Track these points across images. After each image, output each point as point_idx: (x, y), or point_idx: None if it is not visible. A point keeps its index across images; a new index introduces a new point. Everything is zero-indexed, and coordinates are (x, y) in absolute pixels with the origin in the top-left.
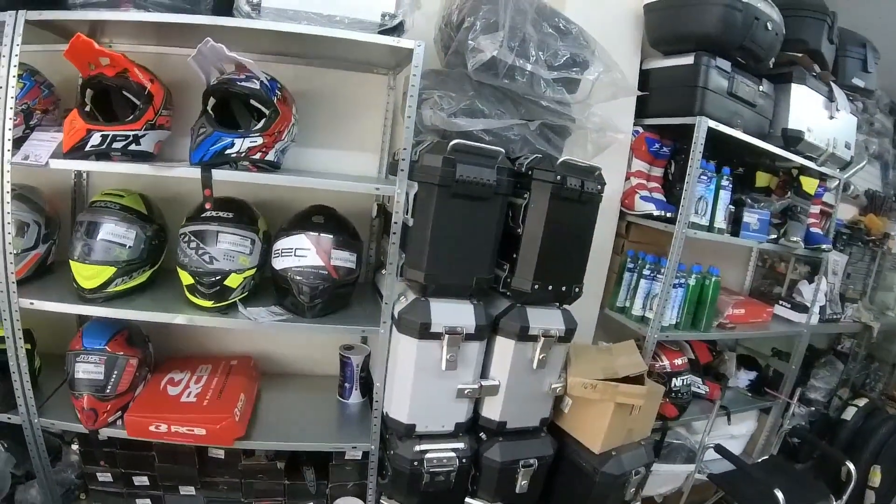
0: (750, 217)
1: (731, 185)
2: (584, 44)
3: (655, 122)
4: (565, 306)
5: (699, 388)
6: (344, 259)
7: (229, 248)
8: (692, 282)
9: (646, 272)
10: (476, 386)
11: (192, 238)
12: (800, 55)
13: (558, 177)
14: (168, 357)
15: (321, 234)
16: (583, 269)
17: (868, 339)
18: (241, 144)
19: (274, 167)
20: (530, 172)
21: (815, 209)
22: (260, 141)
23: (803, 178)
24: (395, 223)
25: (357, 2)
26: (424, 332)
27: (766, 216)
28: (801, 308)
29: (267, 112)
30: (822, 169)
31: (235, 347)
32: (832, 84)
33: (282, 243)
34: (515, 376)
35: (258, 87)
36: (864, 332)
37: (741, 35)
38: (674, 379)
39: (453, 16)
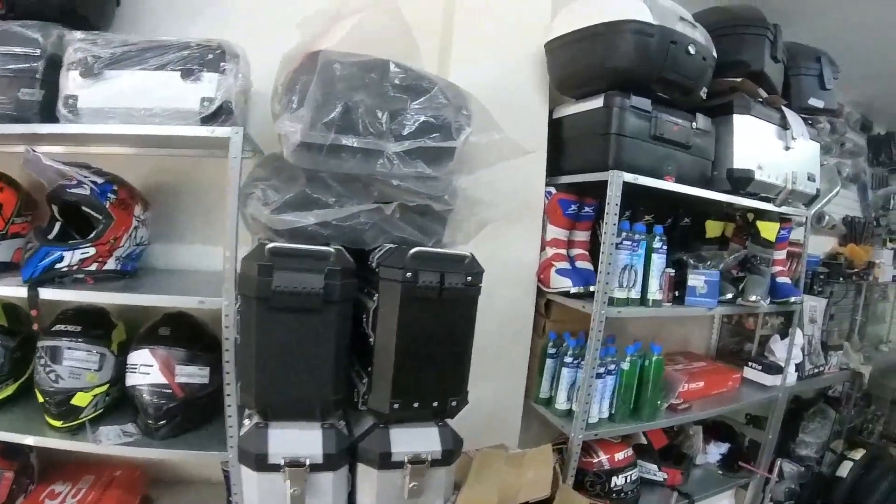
0: (695, 280)
1: (665, 247)
2: (446, 102)
3: (568, 179)
4: (447, 420)
5: (655, 475)
6: (191, 374)
7: (75, 365)
8: (626, 366)
9: (568, 359)
10: None
11: (43, 354)
12: (739, 80)
13: (409, 272)
14: (63, 463)
15: (165, 349)
16: (461, 380)
17: (860, 386)
18: (71, 257)
19: (122, 275)
20: (378, 269)
21: (781, 254)
22: (92, 252)
23: (760, 224)
24: (227, 339)
25: (173, 90)
26: (262, 463)
27: (715, 276)
28: (774, 369)
29: (100, 218)
30: (783, 210)
31: (126, 453)
32: (784, 109)
33: (130, 358)
34: None
35: (88, 192)
36: (855, 378)
37: (658, 65)
38: (614, 477)
39: (277, 93)
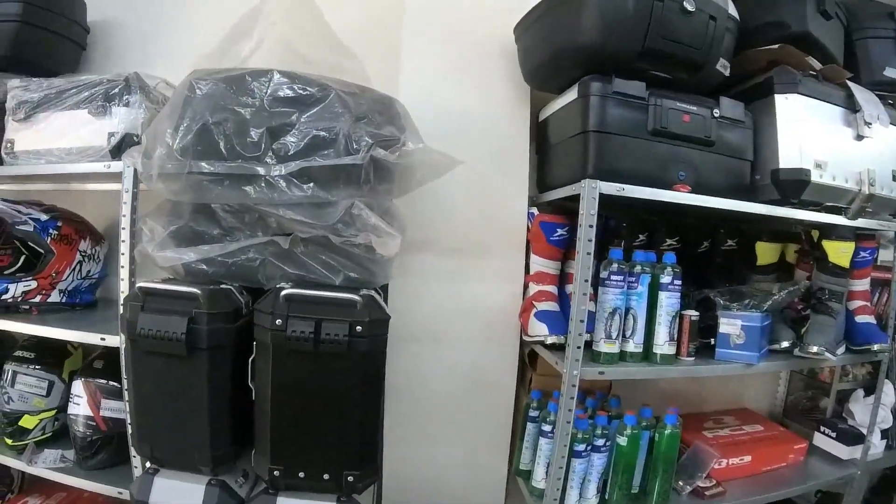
0: (729, 326)
1: (678, 282)
2: (340, 111)
3: (547, 197)
4: (354, 496)
5: None
6: (116, 409)
7: (24, 390)
8: (622, 441)
9: (545, 426)
10: None
11: (4, 376)
12: (777, 47)
13: (278, 319)
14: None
15: (94, 381)
16: (363, 451)
17: None
18: (15, 289)
19: (70, 307)
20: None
21: (861, 284)
22: (34, 284)
23: (828, 245)
24: (125, 378)
25: (86, 128)
26: None
27: (756, 321)
28: (853, 437)
29: (43, 253)
30: (860, 223)
31: (52, 476)
32: (851, 85)
33: (72, 387)
34: None
35: (31, 229)
36: None
37: (639, 32)
38: None
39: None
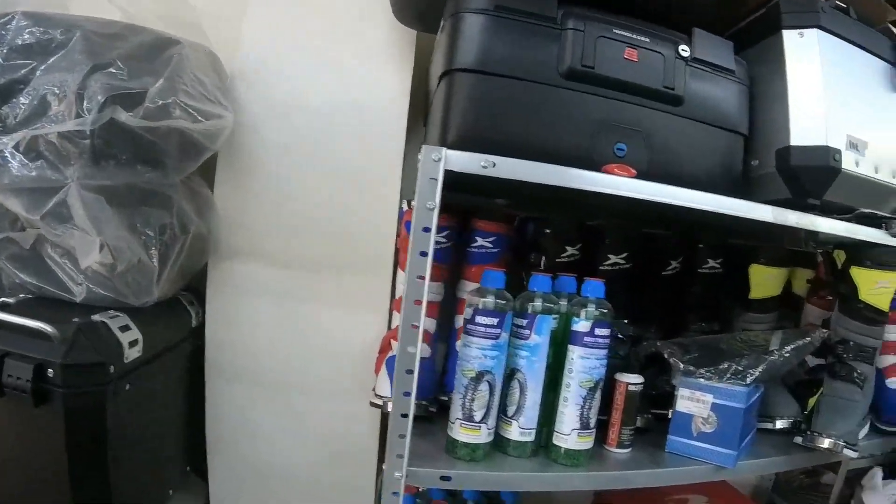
0: (692, 403)
1: (606, 328)
2: (80, 59)
3: None
4: None
5: None
6: None
7: None
8: None
9: None
10: None
11: None
12: None
13: None
14: None
15: None
16: None
17: None
18: None
19: None
20: None
21: None
22: None
23: (857, 274)
24: None
25: None
26: None
27: (739, 399)
28: None
29: None
30: None
31: None
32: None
33: None
34: None
35: None
36: None
37: None
38: None
39: None
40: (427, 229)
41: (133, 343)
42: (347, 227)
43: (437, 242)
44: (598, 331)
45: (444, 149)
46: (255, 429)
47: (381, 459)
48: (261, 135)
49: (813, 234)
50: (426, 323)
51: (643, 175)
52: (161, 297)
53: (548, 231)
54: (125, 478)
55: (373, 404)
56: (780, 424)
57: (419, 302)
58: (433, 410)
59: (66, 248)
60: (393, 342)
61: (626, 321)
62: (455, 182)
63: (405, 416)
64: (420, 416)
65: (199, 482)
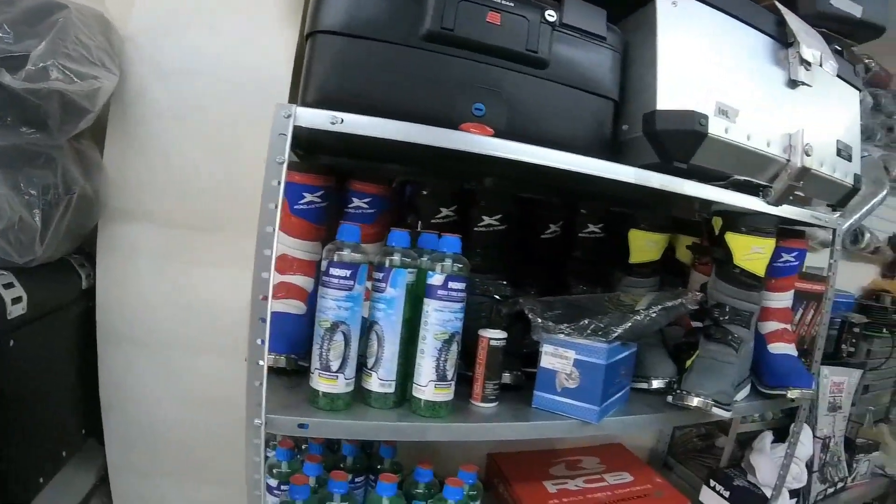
0: (556, 359)
1: (462, 282)
2: None
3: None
4: None
5: None
6: None
7: None
8: None
9: (271, 480)
10: None
11: None
12: None
13: None
14: None
15: None
16: None
17: None
18: None
19: None
20: None
21: (780, 300)
22: None
23: (732, 241)
24: None
25: None
26: None
27: (600, 355)
28: (752, 500)
29: None
30: (784, 211)
31: None
32: (781, 8)
33: None
34: None
35: None
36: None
37: None
38: None
39: None
40: (277, 183)
41: (16, 300)
42: (231, 188)
43: (312, 202)
44: (451, 284)
45: (294, 106)
46: (146, 390)
47: None
48: (149, 97)
49: (707, 204)
50: (301, 281)
51: (502, 134)
52: (49, 258)
53: (424, 193)
54: (14, 438)
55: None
56: (655, 384)
57: (269, 252)
58: (304, 365)
59: None
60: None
61: (503, 282)
62: (347, 147)
63: (260, 363)
64: (292, 370)
65: (96, 446)
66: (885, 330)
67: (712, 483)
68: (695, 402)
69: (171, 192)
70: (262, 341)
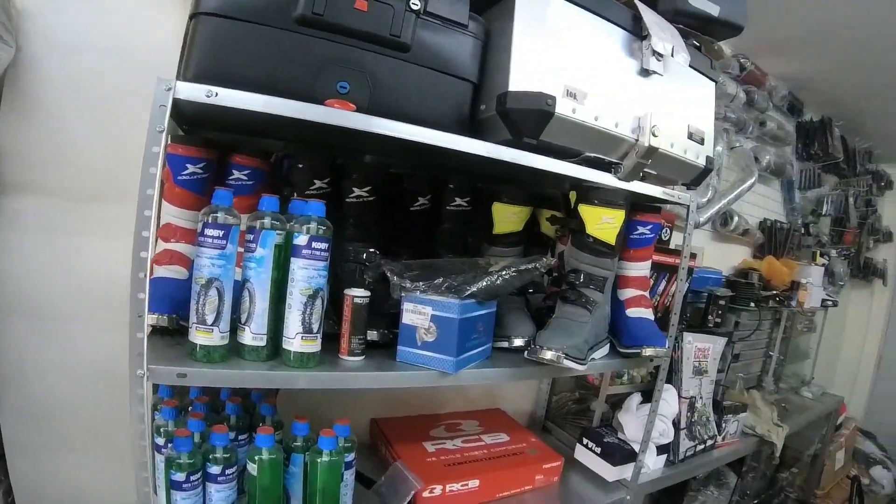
0: (416, 315)
1: (326, 245)
2: None
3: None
4: None
5: None
6: None
7: None
8: (254, 469)
9: (159, 439)
10: None
11: None
12: None
13: None
14: None
15: None
16: None
17: (770, 457)
18: None
19: None
20: None
21: (638, 269)
22: None
23: (584, 212)
24: None
25: None
26: None
27: (453, 311)
28: (621, 454)
29: None
30: (635, 186)
31: None
32: (637, 3)
33: None
34: None
35: None
36: (764, 448)
37: None
38: None
39: None
40: (157, 150)
41: None
42: (121, 161)
43: (194, 174)
44: (315, 244)
45: (174, 80)
46: (39, 364)
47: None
48: (42, 71)
49: (578, 182)
50: (184, 248)
51: (364, 110)
52: None
53: (300, 166)
54: None
55: None
56: (516, 343)
57: (149, 213)
58: (185, 325)
59: None
60: (155, 266)
61: (374, 251)
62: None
63: (140, 317)
64: (174, 328)
65: None
66: (752, 304)
67: (585, 441)
68: (548, 355)
69: (63, 165)
70: (143, 295)
